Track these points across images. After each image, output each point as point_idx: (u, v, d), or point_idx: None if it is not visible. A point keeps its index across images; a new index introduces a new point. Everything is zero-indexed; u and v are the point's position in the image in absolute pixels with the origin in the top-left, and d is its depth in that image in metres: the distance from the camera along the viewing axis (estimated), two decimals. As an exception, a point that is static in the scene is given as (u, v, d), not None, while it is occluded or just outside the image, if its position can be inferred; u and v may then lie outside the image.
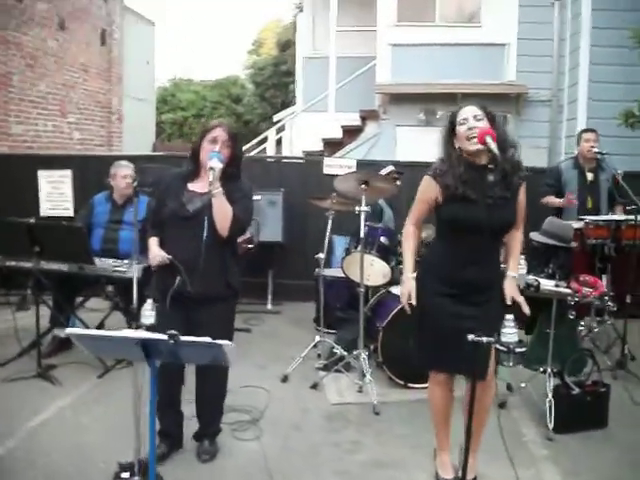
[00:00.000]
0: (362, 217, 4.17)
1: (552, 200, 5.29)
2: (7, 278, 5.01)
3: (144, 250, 4.83)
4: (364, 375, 4.22)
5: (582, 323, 4.34)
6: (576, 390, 3.71)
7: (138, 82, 11.61)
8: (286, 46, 21.58)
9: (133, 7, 11.68)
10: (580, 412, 3.71)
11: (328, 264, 5.34)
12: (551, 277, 3.76)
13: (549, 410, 3.67)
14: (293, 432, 3.66)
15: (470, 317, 2.82)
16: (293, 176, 6.89)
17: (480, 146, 2.74)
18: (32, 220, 4.30)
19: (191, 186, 3.14)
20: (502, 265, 3.06)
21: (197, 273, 2.96)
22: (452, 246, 2.93)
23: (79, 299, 5.09)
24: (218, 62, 40.98)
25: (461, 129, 2.83)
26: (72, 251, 4.27)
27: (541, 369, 3.92)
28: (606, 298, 3.65)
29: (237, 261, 3.25)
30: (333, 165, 6.74)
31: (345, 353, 4.54)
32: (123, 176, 4.90)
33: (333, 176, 6.55)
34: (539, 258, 3.90)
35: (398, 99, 9.63)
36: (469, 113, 2.82)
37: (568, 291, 3.61)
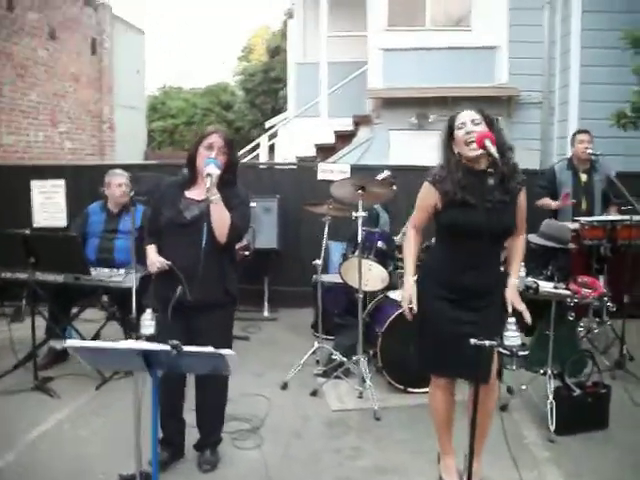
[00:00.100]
0: (359, 222, 4.16)
1: (548, 202, 5.30)
2: (2, 289, 4.97)
3: (140, 259, 4.84)
4: (364, 381, 4.20)
5: (581, 324, 4.34)
6: (577, 391, 3.71)
7: (129, 91, 11.57)
8: (276, 52, 21.63)
9: (123, 16, 11.67)
10: (581, 413, 3.70)
11: (325, 270, 5.33)
12: (550, 279, 3.76)
13: (550, 412, 3.67)
14: (294, 440, 3.64)
15: (470, 322, 2.82)
16: (287, 182, 6.89)
17: (479, 152, 2.73)
18: (27, 231, 4.26)
19: (188, 193, 3.12)
20: (503, 270, 3.05)
21: (196, 280, 2.93)
22: (452, 251, 2.92)
23: (75, 310, 5.03)
24: (208, 69, 41.00)
25: (459, 133, 2.82)
26: (68, 261, 4.24)
27: (541, 371, 3.92)
28: (605, 299, 3.65)
29: (235, 268, 3.24)
30: (327, 170, 6.74)
31: (344, 359, 4.53)
32: (118, 184, 4.87)
33: (327, 182, 6.61)
34: (537, 260, 3.90)
35: (390, 103, 9.64)
36: (467, 117, 2.82)
37: (567, 293, 3.61)
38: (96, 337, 5.11)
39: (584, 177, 5.34)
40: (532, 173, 5.51)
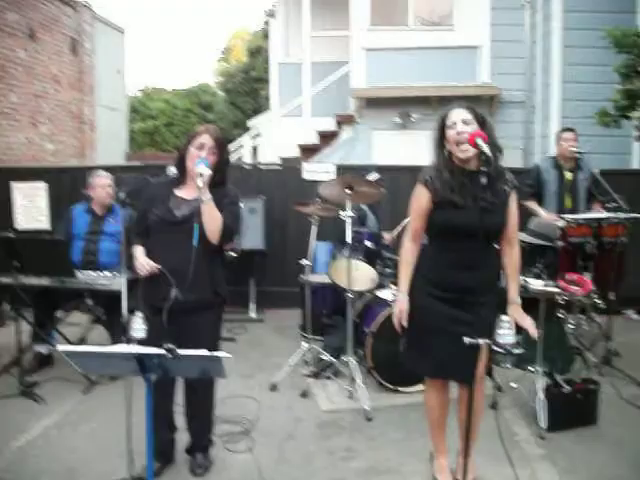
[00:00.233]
0: (348, 222, 4.14)
1: (536, 208, 5.30)
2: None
3: (124, 262, 4.77)
4: (354, 381, 4.19)
5: (571, 321, 4.37)
6: (567, 388, 3.73)
7: (109, 91, 11.43)
8: (256, 53, 21.58)
9: (103, 16, 11.51)
10: (571, 410, 3.73)
11: (310, 270, 5.30)
12: (538, 277, 3.78)
13: (541, 409, 3.68)
14: (286, 441, 3.61)
15: (463, 322, 2.80)
16: (272, 183, 6.87)
17: (469, 153, 2.73)
18: (11, 234, 4.19)
19: (178, 192, 3.08)
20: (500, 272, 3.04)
21: (186, 281, 2.89)
22: (443, 250, 2.90)
23: (59, 313, 4.96)
24: (188, 70, 40.81)
25: (450, 133, 2.80)
26: (53, 264, 4.17)
27: (531, 368, 3.93)
28: (594, 296, 3.67)
29: (224, 268, 3.20)
30: (312, 171, 6.72)
31: (333, 360, 4.52)
32: (102, 186, 4.82)
33: (312, 182, 6.60)
34: (526, 258, 3.90)
35: (373, 103, 9.65)
36: (458, 117, 2.79)
37: (557, 290, 3.62)
38: (82, 341, 5.06)
39: (569, 175, 5.37)
40: (516, 172, 5.51)
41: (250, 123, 12.47)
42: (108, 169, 5.24)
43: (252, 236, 6.29)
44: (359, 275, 4.43)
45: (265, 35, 21.21)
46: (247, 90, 21.73)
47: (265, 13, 16.91)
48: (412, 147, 9.13)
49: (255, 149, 11.18)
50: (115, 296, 4.38)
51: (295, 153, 10.12)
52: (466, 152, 2.74)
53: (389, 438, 3.67)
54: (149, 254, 3.07)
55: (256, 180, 6.84)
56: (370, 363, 4.32)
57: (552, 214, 5.15)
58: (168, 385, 3.14)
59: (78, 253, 4.75)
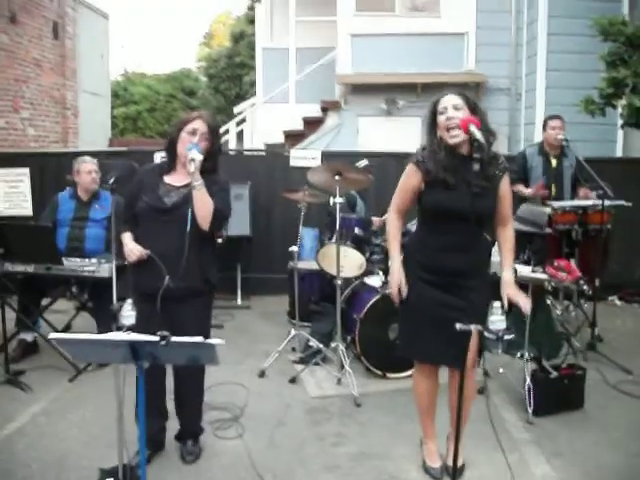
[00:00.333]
0: (337, 208, 4.13)
1: (521, 189, 5.32)
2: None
3: (111, 248, 4.72)
4: (342, 367, 4.20)
5: (558, 307, 4.41)
6: (554, 374, 3.77)
7: (92, 76, 11.24)
8: (240, 38, 21.36)
9: (86, 0, 11.30)
10: (558, 395, 3.77)
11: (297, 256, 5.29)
12: (526, 263, 3.81)
13: (528, 394, 3.72)
14: (276, 428, 3.61)
15: (454, 307, 2.82)
16: (258, 169, 6.83)
17: (459, 139, 2.74)
18: (-5, 220, 4.13)
19: (167, 179, 3.04)
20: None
21: (178, 268, 2.86)
22: (434, 233, 2.91)
23: (45, 301, 4.90)
24: (169, 55, 40.33)
25: (441, 118, 2.81)
26: (39, 251, 4.12)
27: (518, 354, 3.97)
28: (582, 282, 3.71)
29: (215, 256, 3.18)
30: (299, 157, 6.69)
31: (321, 346, 4.52)
32: (88, 171, 4.76)
33: (299, 168, 6.57)
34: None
35: (359, 89, 9.62)
36: (448, 102, 2.80)
37: (545, 277, 3.65)
38: (67, 328, 5.02)
39: (554, 162, 5.40)
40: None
41: (236, 109, 12.37)
42: (92, 154, 5.19)
43: (238, 222, 6.23)
44: (347, 261, 4.43)
45: (249, 20, 21.02)
46: (230, 76, 21.50)
47: (248, -2, 16.78)
48: (398, 133, 9.15)
49: (240, 135, 11.10)
50: (101, 283, 4.36)
51: (280, 139, 10.09)
52: (455, 138, 2.75)
53: (378, 423, 3.69)
54: (138, 242, 3.04)
55: (242, 166, 6.79)
56: (358, 349, 4.33)
57: (537, 186, 5.17)
58: (159, 372, 3.12)
59: (63, 240, 4.70)
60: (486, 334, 2.55)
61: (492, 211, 2.89)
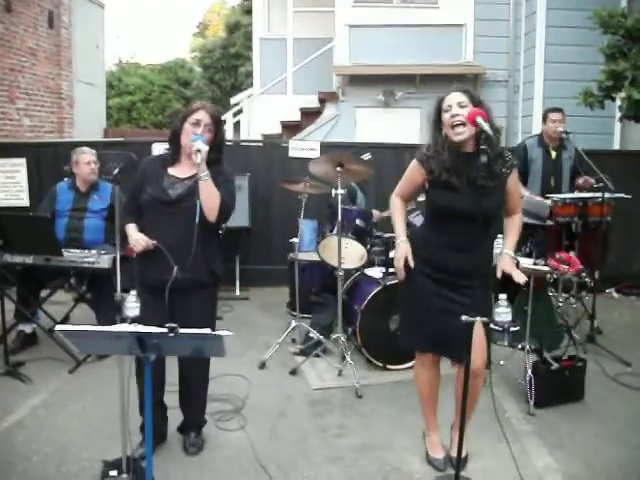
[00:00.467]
0: (339, 200, 4.12)
1: (521, 190, 5.29)
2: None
3: (110, 239, 4.70)
4: (343, 358, 4.20)
5: (560, 299, 4.42)
6: (555, 365, 3.78)
7: (88, 66, 11.15)
8: (235, 28, 21.23)
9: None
10: (559, 387, 3.79)
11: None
12: (528, 256, 3.81)
13: (529, 386, 3.73)
14: (278, 419, 3.61)
15: (455, 301, 2.83)
16: (256, 160, 6.80)
17: (463, 136, 2.73)
18: (-6, 211, 4.10)
19: (171, 171, 3.01)
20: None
21: (186, 260, 2.84)
22: (441, 233, 2.91)
23: (45, 292, 4.88)
24: (162, 45, 40.06)
25: (445, 116, 2.80)
26: (38, 242, 4.09)
27: (520, 346, 3.98)
28: (583, 274, 3.71)
29: (219, 248, 3.16)
30: (298, 148, 6.67)
31: (321, 337, 4.52)
32: (87, 162, 4.73)
33: (297, 159, 6.56)
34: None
35: (357, 80, 9.58)
36: (453, 100, 2.79)
37: (547, 269, 3.65)
38: (65, 320, 4.99)
39: (553, 154, 5.40)
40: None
41: (233, 100, 12.30)
42: (89, 145, 5.15)
43: (237, 213, 6.11)
44: (349, 253, 4.42)
45: (244, 10, 20.89)
46: (225, 66, 21.40)
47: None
48: (395, 125, 9.14)
49: (237, 126, 11.05)
50: (100, 274, 4.35)
51: (277, 130, 10.05)
52: (460, 135, 2.75)
53: (380, 415, 3.69)
54: (143, 233, 3.01)
55: (241, 157, 6.75)
56: (359, 341, 4.33)
57: (535, 194, 5.16)
58: (160, 364, 3.11)
59: (61, 230, 4.67)
60: (492, 326, 2.55)
61: (499, 210, 2.89)
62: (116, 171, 3.06)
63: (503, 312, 2.57)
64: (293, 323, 4.71)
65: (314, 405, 3.84)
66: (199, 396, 3.25)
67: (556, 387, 3.77)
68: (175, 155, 3.03)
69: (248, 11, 18.67)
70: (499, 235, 3.07)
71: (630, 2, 8.06)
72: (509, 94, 9.32)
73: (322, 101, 9.91)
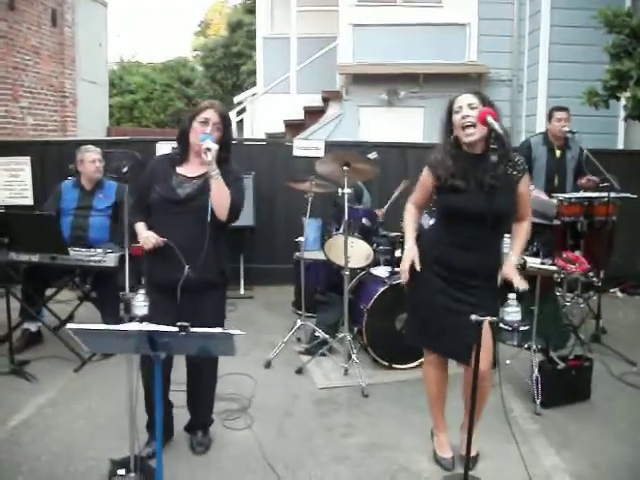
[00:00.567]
0: (345, 199, 4.11)
1: None
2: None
3: (114, 238, 4.71)
4: (350, 357, 4.20)
5: (567, 299, 4.41)
6: (561, 365, 3.78)
7: (91, 65, 11.12)
8: (237, 27, 21.23)
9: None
10: (565, 386, 3.78)
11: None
12: (535, 255, 3.80)
13: (535, 385, 3.73)
14: (284, 418, 3.61)
15: (462, 301, 2.82)
16: (260, 158, 6.81)
17: (474, 137, 2.74)
18: (1, 209, 4.09)
19: (180, 170, 3.01)
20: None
21: (198, 259, 2.83)
22: (449, 232, 2.92)
23: (50, 291, 4.88)
24: (164, 44, 39.98)
25: (456, 117, 2.82)
26: (44, 241, 4.08)
27: (526, 345, 3.97)
28: (591, 274, 3.71)
29: (228, 247, 3.16)
30: (303, 147, 6.67)
31: (327, 336, 4.52)
32: (92, 160, 4.72)
33: (302, 158, 6.56)
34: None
35: (360, 79, 9.55)
36: (464, 101, 2.80)
37: (554, 268, 3.64)
38: (70, 318, 4.99)
39: (558, 153, 5.40)
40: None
41: (236, 99, 12.29)
42: (93, 144, 5.13)
43: (242, 212, 6.20)
44: (355, 252, 4.42)
45: (246, 9, 20.89)
46: (227, 65, 21.41)
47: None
48: (399, 124, 9.13)
49: (240, 124, 11.04)
50: (105, 273, 4.35)
51: (280, 129, 10.04)
52: (471, 136, 2.76)
53: (387, 414, 3.69)
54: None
55: (245, 156, 6.75)
56: (365, 340, 4.33)
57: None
58: (166, 363, 3.10)
59: (66, 229, 4.66)
60: (501, 325, 2.55)
61: (510, 211, 2.88)
62: (125, 169, 3.06)
63: (513, 311, 2.57)
64: (298, 322, 4.71)
65: (320, 404, 3.83)
66: (207, 395, 3.25)
67: (563, 387, 3.77)
68: (183, 154, 3.03)
69: (250, 10, 18.70)
70: (507, 235, 3.07)
71: (635, 1, 8.04)
72: (513, 93, 9.30)
73: (325, 100, 9.89)
